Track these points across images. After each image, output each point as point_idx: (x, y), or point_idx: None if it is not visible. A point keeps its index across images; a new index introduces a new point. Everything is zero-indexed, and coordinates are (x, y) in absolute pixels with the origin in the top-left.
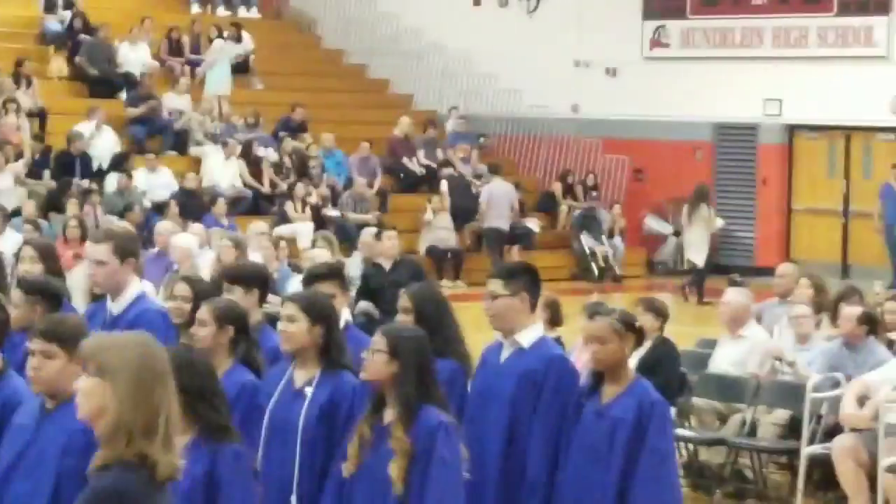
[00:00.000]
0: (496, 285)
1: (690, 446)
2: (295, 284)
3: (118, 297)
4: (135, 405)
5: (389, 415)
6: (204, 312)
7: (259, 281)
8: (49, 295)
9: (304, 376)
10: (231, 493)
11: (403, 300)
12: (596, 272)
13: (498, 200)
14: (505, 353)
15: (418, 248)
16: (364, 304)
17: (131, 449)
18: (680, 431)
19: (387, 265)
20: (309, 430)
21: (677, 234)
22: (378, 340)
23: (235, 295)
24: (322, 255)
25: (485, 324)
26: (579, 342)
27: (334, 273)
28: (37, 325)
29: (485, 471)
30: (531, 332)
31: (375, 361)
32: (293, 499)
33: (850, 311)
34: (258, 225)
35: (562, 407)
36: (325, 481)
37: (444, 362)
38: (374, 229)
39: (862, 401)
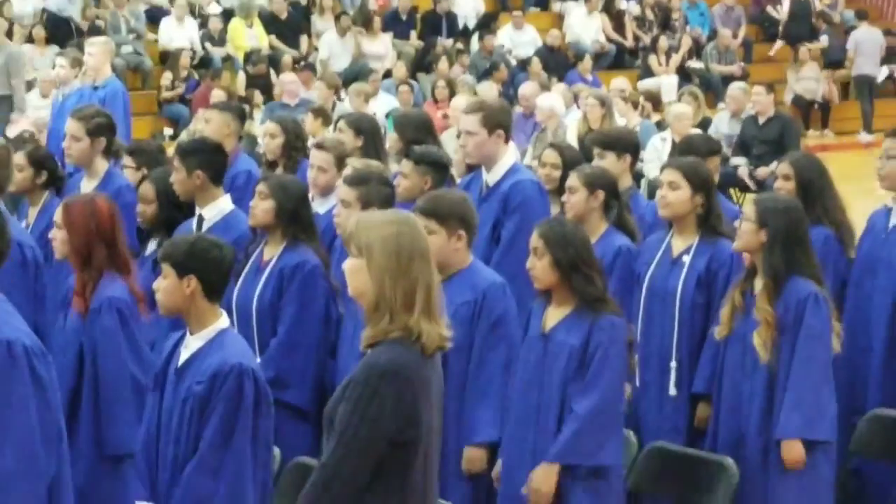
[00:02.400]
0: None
1: None
2: (657, 142)
3: (491, 167)
4: (392, 281)
5: (759, 283)
6: (573, 179)
7: (631, 146)
8: (439, 166)
9: (682, 244)
10: (602, 363)
11: (784, 167)
12: None
13: (866, 47)
14: (894, 219)
15: (783, 99)
16: (737, 160)
17: (395, 324)
18: None
19: (760, 119)
20: (687, 298)
21: None
22: (749, 210)
23: (607, 161)
24: (687, 111)
25: (853, 175)
26: None
27: (713, 151)
28: (417, 202)
29: (870, 340)
30: None
31: (745, 231)
32: (672, 364)
33: None
34: (620, 80)
35: None
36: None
37: (818, 230)
38: (742, 84)
39: None
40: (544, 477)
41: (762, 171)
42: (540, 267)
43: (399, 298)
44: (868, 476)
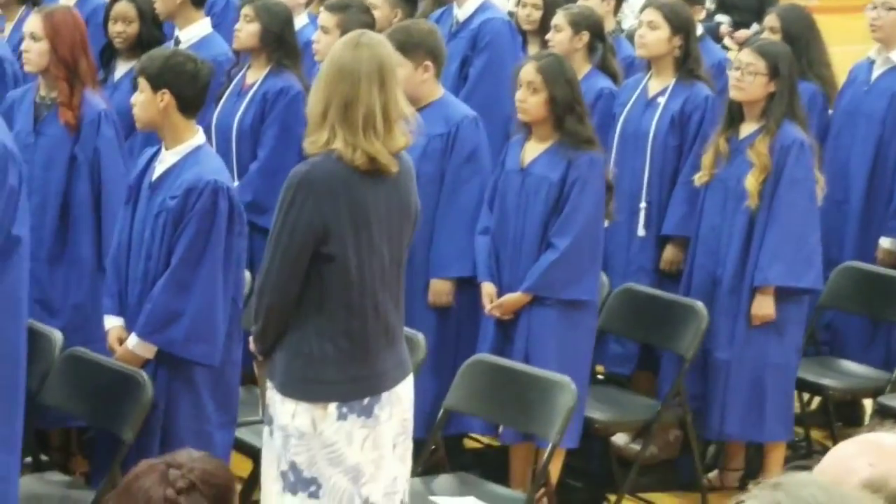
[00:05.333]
0: None
1: None
2: None
3: (462, 3)
4: (334, 97)
5: (748, 129)
6: (559, 18)
7: None
8: None
9: (659, 85)
10: (579, 197)
11: (771, 20)
12: None
13: None
14: (877, 71)
15: None
16: (722, 17)
17: (332, 138)
18: None
19: None
20: (660, 139)
21: None
22: (755, 62)
23: (591, 1)
24: None
25: (849, 38)
26: None
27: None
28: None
29: (849, 188)
30: None
31: (754, 83)
32: (642, 204)
33: None
34: None
35: None
36: (673, 188)
37: (803, 85)
38: None
39: None
40: (514, 303)
41: (742, 34)
42: (533, 102)
43: (339, 115)
44: (839, 328)
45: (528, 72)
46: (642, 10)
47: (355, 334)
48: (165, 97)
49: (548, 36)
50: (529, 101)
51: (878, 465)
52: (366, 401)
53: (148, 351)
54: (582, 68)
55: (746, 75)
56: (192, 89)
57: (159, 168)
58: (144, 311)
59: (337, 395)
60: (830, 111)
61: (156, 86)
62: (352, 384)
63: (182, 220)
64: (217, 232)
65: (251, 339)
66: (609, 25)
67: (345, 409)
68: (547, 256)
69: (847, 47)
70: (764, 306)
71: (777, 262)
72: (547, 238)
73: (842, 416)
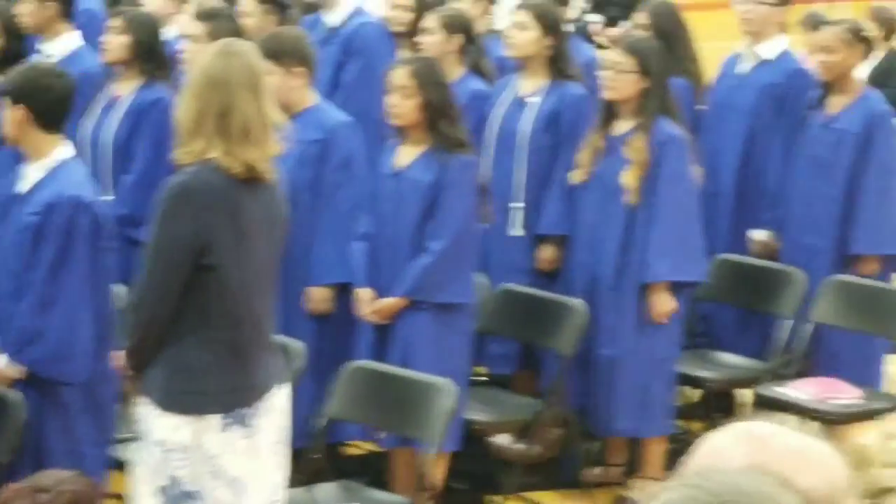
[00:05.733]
0: None
1: None
2: None
3: (335, 8)
4: (208, 107)
5: (622, 127)
6: (431, 21)
7: None
8: (281, 5)
9: (531, 86)
10: (453, 200)
11: (641, 16)
12: None
13: None
14: (746, 65)
15: None
16: (593, 16)
17: (207, 148)
18: None
19: None
20: (534, 138)
21: None
22: (624, 61)
23: (462, 3)
24: None
25: (706, 35)
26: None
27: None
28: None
29: (721, 182)
30: (776, 44)
31: (625, 82)
32: (517, 205)
33: None
34: None
35: (798, 121)
36: (547, 189)
37: (674, 80)
38: None
39: None
40: (390, 308)
41: (614, 31)
42: (406, 106)
43: (215, 124)
44: (715, 320)
45: (400, 76)
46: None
47: (235, 344)
48: (20, 112)
49: (419, 38)
50: (401, 105)
51: (753, 455)
52: (245, 411)
53: (18, 371)
54: (455, 71)
55: (617, 74)
56: (47, 103)
57: (24, 183)
58: (8, 331)
59: (219, 406)
60: (698, 106)
61: (14, 101)
62: (233, 394)
63: (42, 237)
64: (77, 248)
65: (125, 354)
66: (481, 26)
67: (227, 420)
68: (421, 260)
69: (716, 43)
70: (662, 302)
71: (665, 257)
72: (422, 242)
73: (720, 407)
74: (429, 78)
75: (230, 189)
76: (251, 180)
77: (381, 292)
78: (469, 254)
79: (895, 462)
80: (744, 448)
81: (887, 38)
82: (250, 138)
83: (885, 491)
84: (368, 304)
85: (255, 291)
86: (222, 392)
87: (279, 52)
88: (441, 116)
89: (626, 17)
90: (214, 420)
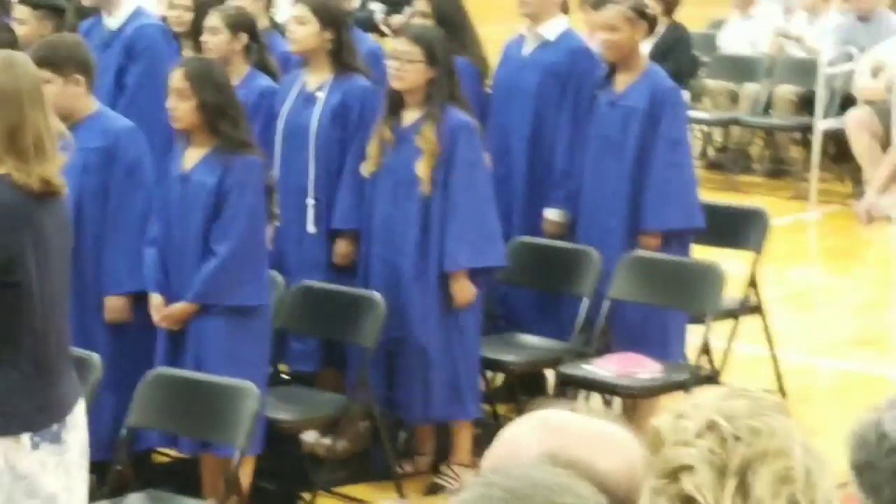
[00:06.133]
0: None
1: (704, 128)
2: None
3: (115, 11)
4: None
5: (411, 117)
6: (215, 20)
7: None
8: (57, 11)
9: (317, 80)
10: (237, 201)
11: (421, 3)
12: None
13: None
14: (529, 47)
15: None
16: (375, 5)
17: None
18: (693, 114)
19: None
20: (322, 133)
21: None
22: (410, 50)
23: (242, 1)
24: None
25: (493, 17)
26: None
27: None
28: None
29: (511, 164)
30: (557, 24)
31: (413, 71)
32: (309, 201)
33: None
34: None
35: (586, 100)
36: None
37: (461, 62)
38: None
39: (876, 73)
40: (181, 313)
41: (396, 19)
42: (184, 109)
43: (5, 141)
44: (514, 303)
45: (176, 78)
46: (294, 5)
47: (41, 360)
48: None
49: (203, 38)
50: (179, 107)
51: (549, 442)
52: (54, 427)
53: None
54: (241, 70)
55: (404, 63)
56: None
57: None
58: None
59: (29, 424)
60: (486, 89)
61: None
62: (41, 412)
63: None
64: None
65: None
66: (263, 22)
67: (37, 439)
68: (209, 264)
69: (498, 26)
70: (464, 290)
71: (464, 244)
72: (208, 245)
73: (526, 389)
74: (204, 79)
75: (27, 204)
76: (46, 194)
77: (172, 297)
78: (258, 254)
79: (686, 440)
80: (539, 436)
81: (667, 13)
82: (43, 152)
83: (680, 469)
84: (159, 310)
85: (57, 306)
86: (31, 410)
87: (56, 60)
88: (221, 117)
89: (408, 3)
90: (24, 439)
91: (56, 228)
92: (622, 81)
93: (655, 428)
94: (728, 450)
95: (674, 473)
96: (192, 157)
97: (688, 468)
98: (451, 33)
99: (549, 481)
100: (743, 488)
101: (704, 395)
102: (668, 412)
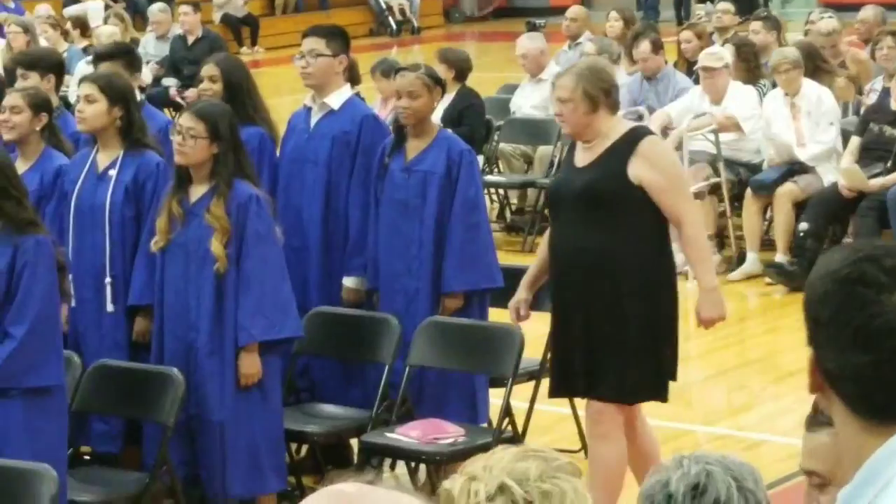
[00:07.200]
0: (318, 44)
1: (501, 191)
2: (84, 66)
3: None
4: None
5: (198, 192)
6: (17, 99)
7: (54, 65)
8: None
9: (107, 158)
10: (30, 281)
11: (209, 69)
12: (394, 26)
13: None
14: (315, 118)
15: (212, 17)
16: (169, 80)
17: None
18: (489, 178)
19: (189, 39)
20: (116, 211)
21: None
22: (195, 126)
23: (31, 81)
24: (114, 33)
25: (285, 89)
26: (378, 100)
27: (122, 52)
28: None
29: (306, 236)
30: (341, 94)
31: (195, 146)
32: (107, 280)
33: (645, 45)
34: (44, 7)
35: (374, 166)
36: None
37: (252, 130)
38: (163, 4)
39: (665, 131)
40: None
41: (192, 93)
42: None
43: None
44: (315, 373)
45: None
46: (80, 84)
47: None
48: None
49: (3, 117)
50: None
51: None
52: None
53: None
54: (38, 149)
55: (187, 139)
56: None
57: None
58: None
59: None
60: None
61: None
62: None
63: None
64: None
65: None
66: (54, 102)
67: None
68: (5, 346)
69: (288, 97)
70: (249, 364)
71: (257, 318)
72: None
73: (330, 459)
74: None
75: None
76: None
77: None
78: (53, 334)
79: (478, 502)
80: None
81: (459, 78)
82: None
83: None
84: None
85: None
86: None
87: None
88: (5, 198)
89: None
90: None
91: None
92: (414, 147)
93: (447, 490)
94: None
95: None
96: None
97: None
98: (241, 99)
99: None
100: None
101: (496, 456)
102: (460, 474)
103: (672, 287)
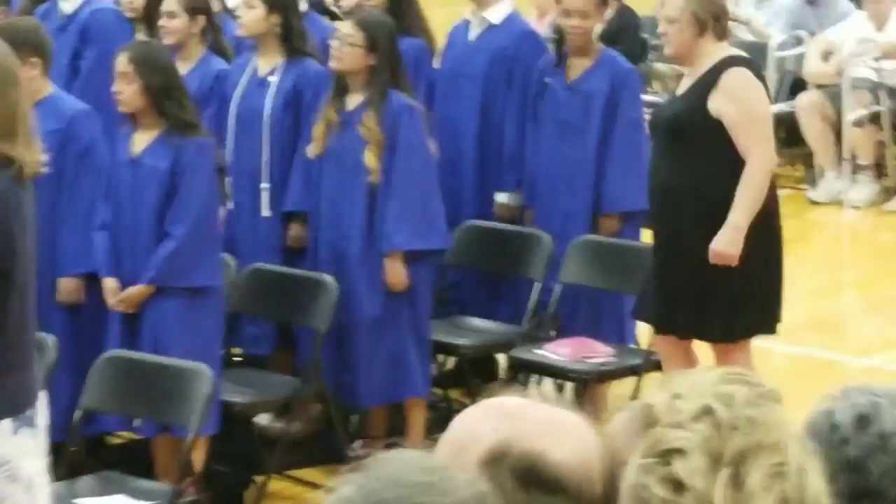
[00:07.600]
0: None
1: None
2: None
3: None
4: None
5: (354, 101)
6: (173, 4)
7: None
8: None
9: (268, 65)
10: (191, 184)
11: None
12: None
13: None
14: (474, 31)
15: None
16: None
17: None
18: (644, 97)
19: None
20: (275, 118)
21: None
22: (354, 34)
23: None
24: None
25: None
26: (534, 15)
27: None
28: None
29: (461, 149)
30: (502, 8)
31: (352, 54)
32: (263, 186)
33: None
34: None
35: (533, 83)
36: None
37: (410, 41)
38: None
39: (826, 56)
40: (137, 296)
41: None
42: (129, 92)
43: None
44: (465, 287)
45: (120, 62)
46: None
47: (22, 346)
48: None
49: (161, 22)
50: (125, 91)
51: (501, 429)
52: (28, 411)
53: None
54: (197, 53)
55: (344, 45)
56: None
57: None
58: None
59: (10, 409)
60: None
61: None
62: (20, 396)
63: None
64: None
65: None
66: (215, 6)
67: (17, 423)
68: (165, 246)
69: (446, 9)
70: (395, 273)
71: (402, 226)
72: (162, 228)
73: (477, 373)
74: (148, 62)
75: (18, 189)
76: (27, 178)
77: (126, 281)
78: (212, 236)
79: (680, 422)
80: (494, 424)
81: None
82: (25, 134)
83: (672, 451)
84: (114, 293)
85: (31, 291)
86: (12, 395)
87: (14, 44)
88: (167, 99)
89: None
90: (5, 424)
91: (31, 211)
92: (578, 66)
93: (649, 405)
94: (723, 438)
95: (665, 455)
96: (140, 141)
97: (680, 452)
98: (402, 11)
99: (415, 483)
100: (735, 479)
101: (701, 376)
102: (663, 389)
103: (765, 225)
